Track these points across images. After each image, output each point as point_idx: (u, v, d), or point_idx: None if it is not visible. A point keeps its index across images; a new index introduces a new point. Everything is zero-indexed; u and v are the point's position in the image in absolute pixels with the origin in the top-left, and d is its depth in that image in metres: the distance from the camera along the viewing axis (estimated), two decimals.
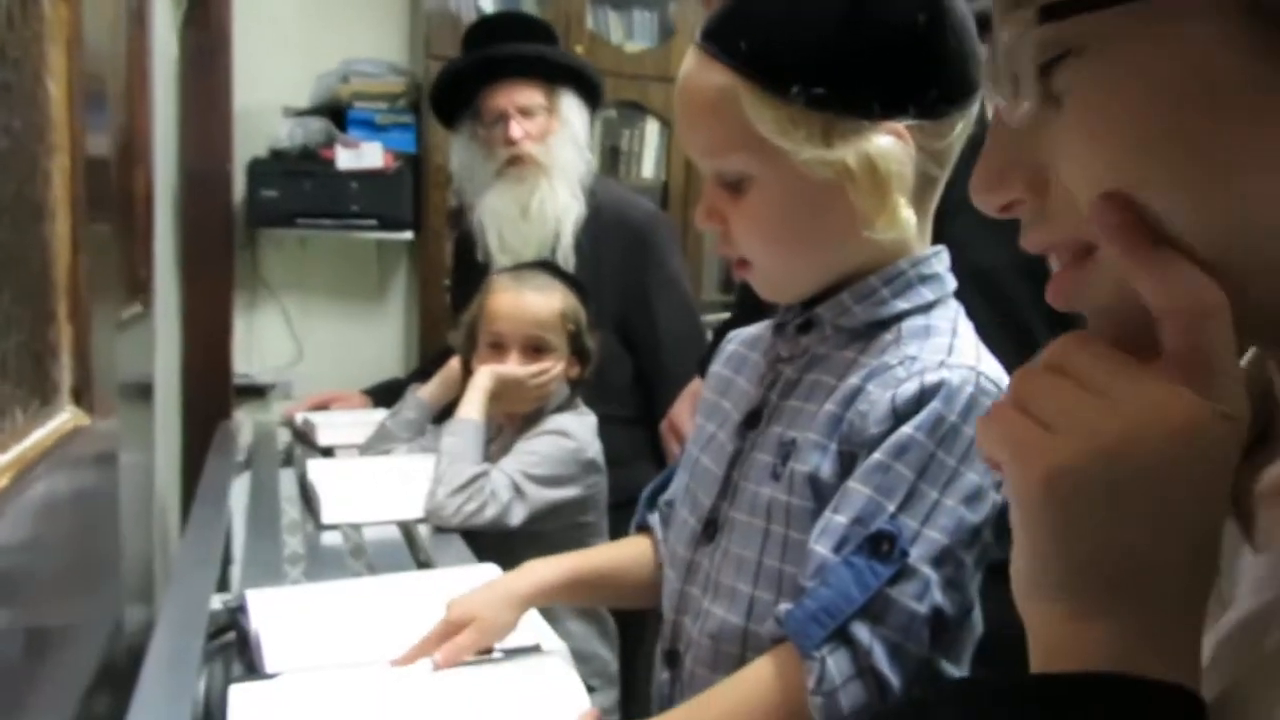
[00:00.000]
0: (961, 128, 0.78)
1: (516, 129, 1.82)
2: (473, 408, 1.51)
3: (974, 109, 0.79)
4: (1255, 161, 0.37)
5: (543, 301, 1.56)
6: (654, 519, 0.98)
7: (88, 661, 1.00)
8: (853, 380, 0.77)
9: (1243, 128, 0.37)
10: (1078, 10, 0.39)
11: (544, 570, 0.97)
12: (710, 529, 0.85)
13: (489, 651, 0.97)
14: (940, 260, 0.82)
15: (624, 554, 0.99)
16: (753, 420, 0.84)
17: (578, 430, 1.54)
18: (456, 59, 1.95)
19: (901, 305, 0.79)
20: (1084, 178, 0.40)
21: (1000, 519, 0.75)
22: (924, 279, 0.81)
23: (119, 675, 1.10)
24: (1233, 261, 0.38)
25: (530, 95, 1.84)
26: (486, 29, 1.95)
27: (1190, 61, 0.37)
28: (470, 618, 0.95)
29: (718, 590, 0.82)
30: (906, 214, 0.76)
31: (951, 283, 0.83)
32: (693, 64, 0.79)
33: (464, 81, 1.87)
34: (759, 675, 0.75)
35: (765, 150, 0.75)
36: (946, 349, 0.77)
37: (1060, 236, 0.42)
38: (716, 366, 0.95)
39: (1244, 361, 0.44)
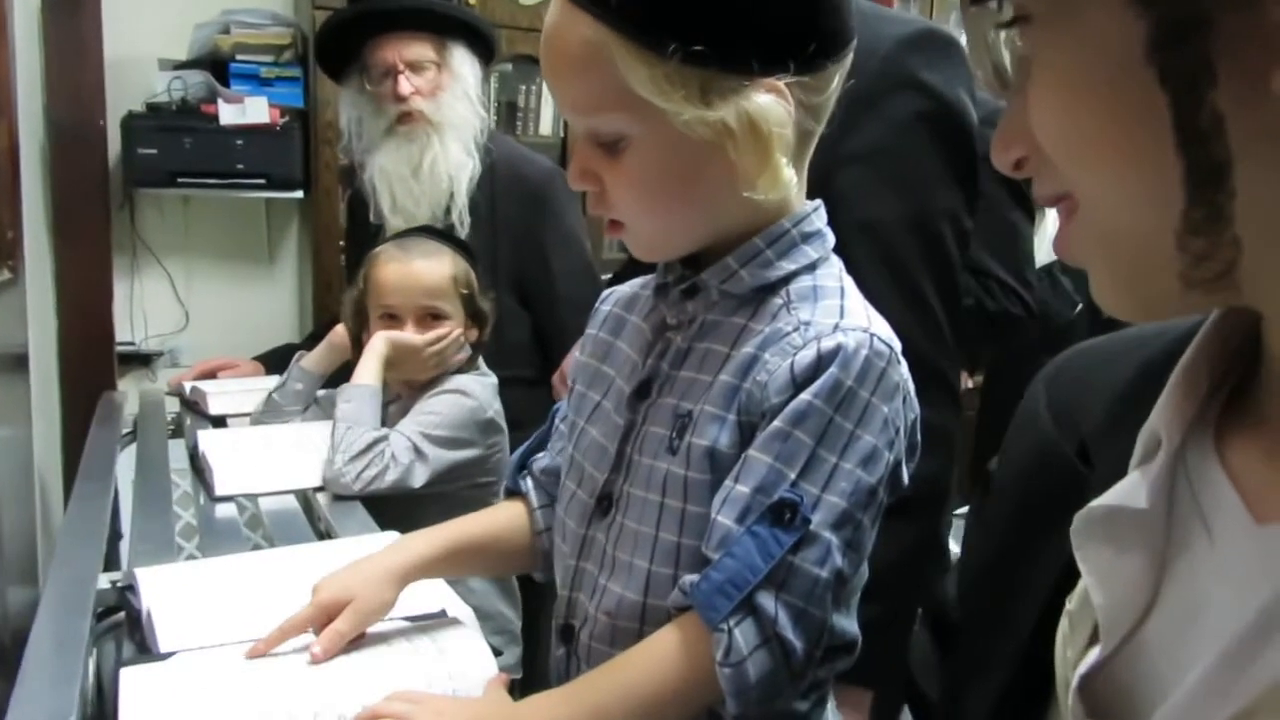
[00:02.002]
0: (838, 81, 0.77)
1: (405, 85, 1.77)
2: (368, 373, 1.48)
3: (848, 61, 0.77)
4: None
5: (433, 268, 1.53)
6: (526, 484, 0.96)
7: None
8: (747, 349, 0.77)
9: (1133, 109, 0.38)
10: None
11: (420, 544, 0.92)
12: (604, 504, 0.83)
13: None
14: (820, 216, 0.82)
15: (499, 522, 0.96)
16: (643, 391, 0.83)
17: (477, 390, 1.53)
18: (342, 9, 1.88)
19: (788, 266, 0.79)
20: (1043, 135, 0.43)
21: (893, 475, 0.77)
22: (806, 237, 0.80)
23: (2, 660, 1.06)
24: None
25: (419, 49, 1.79)
26: None
27: (1094, 36, 0.39)
28: (345, 599, 0.88)
29: (614, 566, 0.82)
30: (788, 173, 0.75)
31: (831, 238, 0.82)
32: (559, 14, 0.74)
33: (350, 34, 1.81)
34: (664, 646, 0.75)
35: (642, 109, 0.72)
36: (838, 310, 0.77)
37: (1048, 190, 0.45)
38: (593, 329, 0.92)
39: (1213, 316, 0.46)
